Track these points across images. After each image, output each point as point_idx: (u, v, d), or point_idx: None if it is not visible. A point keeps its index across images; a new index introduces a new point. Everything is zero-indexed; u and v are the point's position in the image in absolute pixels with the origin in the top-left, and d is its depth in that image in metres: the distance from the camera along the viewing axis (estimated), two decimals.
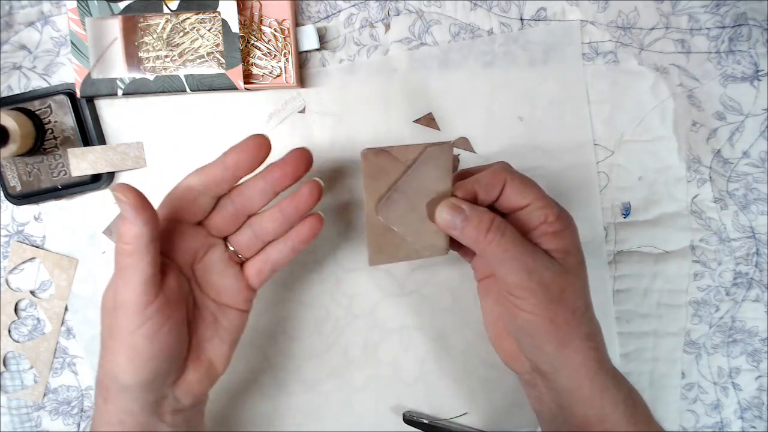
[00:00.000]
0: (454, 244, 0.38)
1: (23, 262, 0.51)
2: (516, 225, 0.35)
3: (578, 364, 0.34)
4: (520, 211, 0.36)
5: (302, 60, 0.48)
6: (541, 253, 0.34)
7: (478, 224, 0.34)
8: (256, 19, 0.46)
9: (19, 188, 0.48)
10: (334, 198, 0.49)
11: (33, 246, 0.50)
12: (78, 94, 0.46)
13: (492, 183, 0.36)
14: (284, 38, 0.46)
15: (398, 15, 0.47)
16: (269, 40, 0.46)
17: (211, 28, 0.46)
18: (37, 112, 0.47)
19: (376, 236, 0.37)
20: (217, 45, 0.45)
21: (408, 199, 0.36)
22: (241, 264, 0.39)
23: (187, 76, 0.45)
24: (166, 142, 0.49)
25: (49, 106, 0.47)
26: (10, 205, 0.50)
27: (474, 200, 0.36)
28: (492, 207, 0.36)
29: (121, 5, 0.45)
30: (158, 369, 0.34)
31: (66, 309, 0.51)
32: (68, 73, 0.48)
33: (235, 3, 0.44)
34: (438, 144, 0.35)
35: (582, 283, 0.35)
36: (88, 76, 0.46)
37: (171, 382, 0.36)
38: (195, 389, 0.37)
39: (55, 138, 0.48)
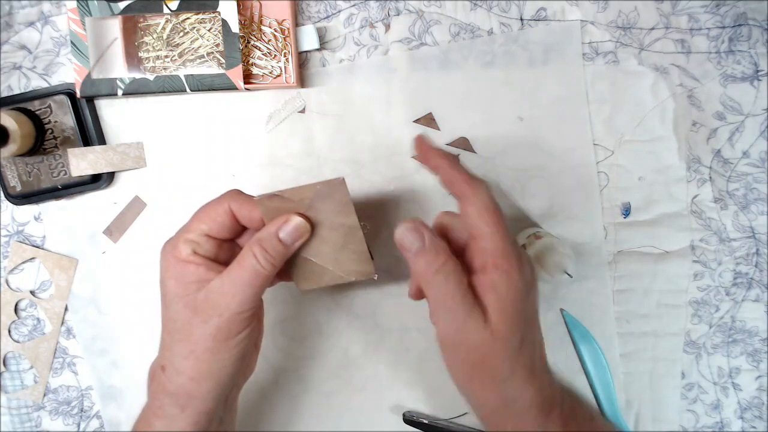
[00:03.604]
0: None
1: (23, 262, 0.51)
2: (467, 254, 0.34)
3: (497, 424, 0.34)
4: (473, 240, 0.34)
5: (302, 60, 0.48)
6: (477, 312, 0.32)
7: (430, 260, 0.33)
8: (256, 19, 0.46)
9: (19, 188, 0.48)
10: None
11: (33, 246, 0.50)
12: (78, 94, 0.46)
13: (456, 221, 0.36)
14: (284, 38, 0.46)
15: (398, 15, 0.47)
16: (269, 40, 0.46)
17: (211, 28, 0.46)
18: (37, 112, 0.47)
19: (297, 267, 0.38)
20: (217, 45, 0.45)
21: (315, 233, 0.37)
22: None
23: (187, 76, 0.45)
24: (166, 142, 0.49)
25: (49, 106, 0.47)
26: (10, 205, 0.50)
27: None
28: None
29: (121, 5, 0.45)
30: (251, 365, 0.39)
31: (66, 309, 0.51)
32: (68, 73, 0.48)
33: (235, 3, 0.44)
34: (328, 182, 0.36)
35: (510, 349, 0.32)
36: (88, 76, 0.46)
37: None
38: (250, 374, 0.41)
39: (55, 138, 0.48)
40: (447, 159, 0.36)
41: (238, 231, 0.37)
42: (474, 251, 0.34)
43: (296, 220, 0.35)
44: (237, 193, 0.37)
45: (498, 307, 0.32)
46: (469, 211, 0.34)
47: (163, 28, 0.46)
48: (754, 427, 0.51)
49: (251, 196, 0.37)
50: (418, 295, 0.37)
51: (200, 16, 0.45)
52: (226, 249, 0.37)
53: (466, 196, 0.34)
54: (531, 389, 0.33)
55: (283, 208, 0.36)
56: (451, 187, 0.35)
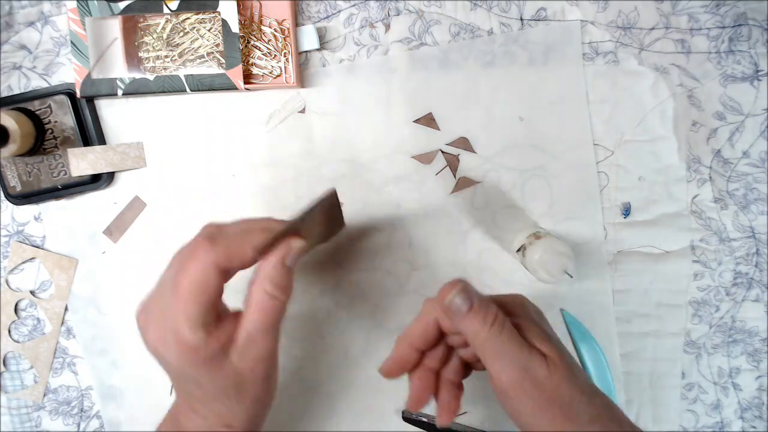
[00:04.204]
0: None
1: (23, 262, 0.51)
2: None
3: None
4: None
5: (302, 60, 0.48)
6: (535, 351, 0.33)
7: (483, 317, 0.33)
8: (256, 19, 0.46)
9: (19, 188, 0.48)
10: None
11: (33, 246, 0.50)
12: (78, 94, 0.46)
13: (424, 329, 0.37)
14: (284, 38, 0.46)
15: (398, 15, 0.47)
16: (269, 40, 0.46)
17: (211, 28, 0.46)
18: (37, 112, 0.47)
19: None
20: (217, 45, 0.45)
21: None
22: None
23: (187, 76, 0.45)
24: (166, 142, 0.49)
25: (49, 106, 0.47)
26: (10, 205, 0.50)
27: (419, 353, 0.37)
28: None
29: (121, 5, 0.45)
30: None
31: (66, 309, 0.51)
32: (68, 73, 0.48)
33: (235, 3, 0.44)
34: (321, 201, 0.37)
35: (574, 378, 0.33)
36: (88, 76, 0.46)
37: None
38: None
39: (55, 138, 0.48)
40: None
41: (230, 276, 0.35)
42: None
43: (298, 245, 0.35)
44: (219, 247, 0.33)
45: (548, 343, 0.34)
46: (447, 324, 0.36)
47: (163, 28, 0.46)
48: (754, 427, 0.51)
49: (233, 239, 0.33)
50: (394, 370, 0.38)
51: (200, 16, 0.45)
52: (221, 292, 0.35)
53: (434, 320, 0.36)
54: (600, 401, 0.34)
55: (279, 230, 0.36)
56: (425, 335, 0.37)
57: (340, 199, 0.39)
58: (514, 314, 0.36)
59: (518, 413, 0.34)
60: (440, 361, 0.38)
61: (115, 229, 0.50)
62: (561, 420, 0.33)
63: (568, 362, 0.34)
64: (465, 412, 0.51)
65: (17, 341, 0.52)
